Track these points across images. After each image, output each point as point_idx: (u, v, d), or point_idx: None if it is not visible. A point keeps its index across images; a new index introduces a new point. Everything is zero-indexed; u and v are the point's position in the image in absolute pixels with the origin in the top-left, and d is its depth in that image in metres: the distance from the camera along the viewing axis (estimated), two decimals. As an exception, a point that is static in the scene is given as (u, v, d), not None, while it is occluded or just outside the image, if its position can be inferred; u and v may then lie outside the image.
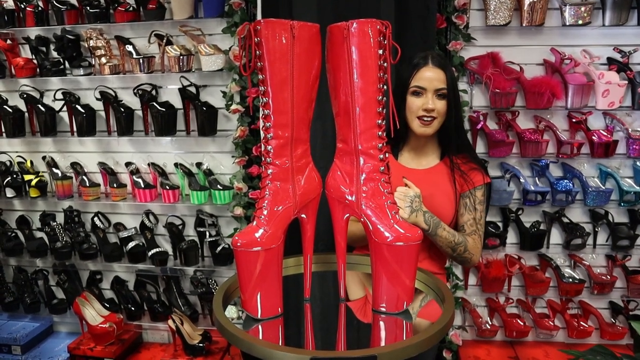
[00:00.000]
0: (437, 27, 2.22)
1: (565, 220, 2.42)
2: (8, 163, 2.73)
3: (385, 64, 1.03)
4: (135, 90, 2.50)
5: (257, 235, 1.03)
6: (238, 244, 1.02)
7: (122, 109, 2.51)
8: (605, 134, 2.29)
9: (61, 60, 2.56)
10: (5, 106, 2.61)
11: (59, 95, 2.59)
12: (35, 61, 2.59)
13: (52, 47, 2.59)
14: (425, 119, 1.51)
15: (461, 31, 2.29)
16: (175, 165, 2.56)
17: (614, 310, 2.50)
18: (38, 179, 2.63)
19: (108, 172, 2.62)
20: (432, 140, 1.60)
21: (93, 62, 2.51)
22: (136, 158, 2.64)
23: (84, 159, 2.70)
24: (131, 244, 2.59)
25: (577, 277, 2.42)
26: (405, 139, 1.62)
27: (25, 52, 2.66)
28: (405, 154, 1.63)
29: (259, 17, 2.28)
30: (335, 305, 1.21)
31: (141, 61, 2.43)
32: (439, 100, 1.51)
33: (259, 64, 1.01)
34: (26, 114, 2.66)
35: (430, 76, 1.50)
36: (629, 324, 2.41)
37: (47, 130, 2.61)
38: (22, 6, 2.54)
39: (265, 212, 1.05)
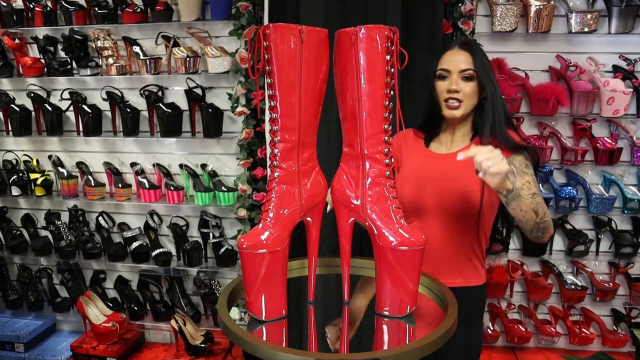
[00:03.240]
0: (443, 32, 2.23)
1: (568, 226, 2.42)
2: (14, 161, 2.75)
3: (392, 70, 1.04)
4: (142, 91, 2.52)
5: (262, 237, 1.04)
6: (244, 246, 1.03)
7: (128, 110, 2.52)
8: (609, 141, 2.30)
9: (68, 60, 2.58)
10: (12, 105, 2.63)
11: (66, 95, 2.60)
12: (42, 61, 2.61)
13: (59, 47, 2.61)
14: (451, 101, 1.46)
15: (467, 37, 2.30)
16: (180, 166, 2.57)
17: (616, 318, 2.49)
18: (44, 177, 2.65)
19: (113, 172, 2.63)
20: (465, 126, 1.53)
21: (100, 63, 2.53)
22: (141, 158, 2.66)
23: (89, 158, 2.71)
24: (135, 244, 2.60)
25: (580, 284, 2.42)
26: (438, 129, 1.57)
27: (33, 51, 2.67)
28: (436, 142, 1.57)
29: (265, 20, 2.29)
30: (338, 308, 1.21)
31: (148, 62, 2.44)
32: (464, 82, 1.45)
33: (268, 67, 1.02)
34: (33, 113, 2.68)
35: (453, 58, 1.46)
36: (631, 331, 2.42)
37: (54, 129, 2.62)
38: (31, 6, 2.56)
39: (271, 215, 1.06)
